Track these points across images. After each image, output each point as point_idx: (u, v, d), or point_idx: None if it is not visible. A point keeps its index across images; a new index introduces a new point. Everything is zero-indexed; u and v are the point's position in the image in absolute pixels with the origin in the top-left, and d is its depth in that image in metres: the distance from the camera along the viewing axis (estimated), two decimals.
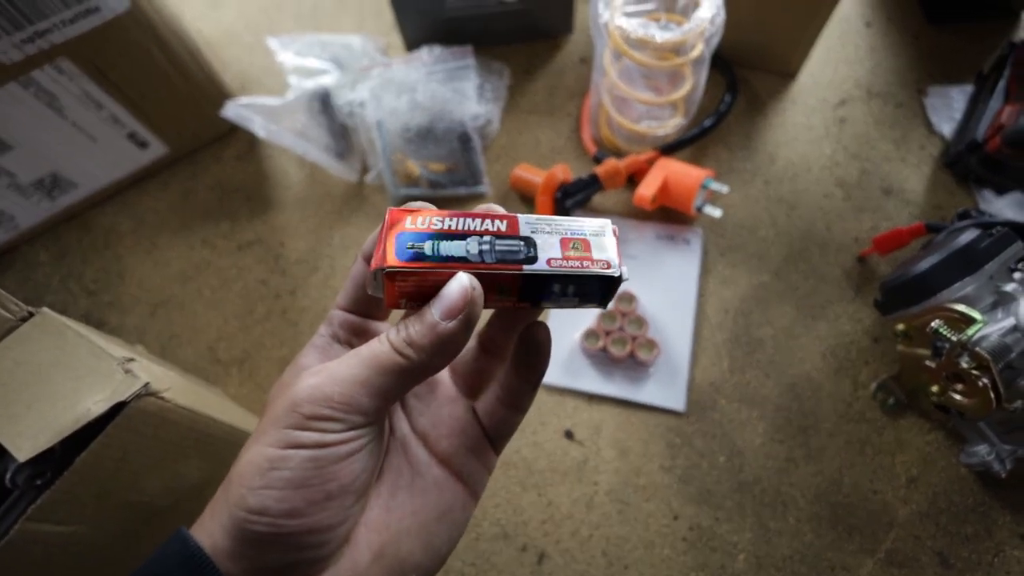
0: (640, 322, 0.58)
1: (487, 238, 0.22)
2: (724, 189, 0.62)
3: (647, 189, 0.61)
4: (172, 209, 0.70)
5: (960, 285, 0.46)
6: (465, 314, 0.21)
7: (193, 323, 0.64)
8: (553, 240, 0.23)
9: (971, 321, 0.43)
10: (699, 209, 0.62)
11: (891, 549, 0.50)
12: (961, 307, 0.44)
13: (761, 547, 0.51)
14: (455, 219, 0.22)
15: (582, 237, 0.23)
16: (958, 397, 0.45)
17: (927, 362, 0.48)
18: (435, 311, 0.21)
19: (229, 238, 0.68)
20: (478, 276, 0.22)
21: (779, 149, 0.68)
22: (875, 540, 0.50)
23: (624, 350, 0.57)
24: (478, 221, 0.23)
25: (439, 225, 0.22)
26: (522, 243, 0.22)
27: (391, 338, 0.22)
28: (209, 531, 0.21)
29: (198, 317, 0.64)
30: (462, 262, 0.22)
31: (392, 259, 0.21)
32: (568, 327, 0.59)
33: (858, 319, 0.59)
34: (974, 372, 0.43)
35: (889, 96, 0.70)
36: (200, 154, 0.72)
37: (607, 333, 0.58)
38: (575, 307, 0.24)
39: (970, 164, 0.61)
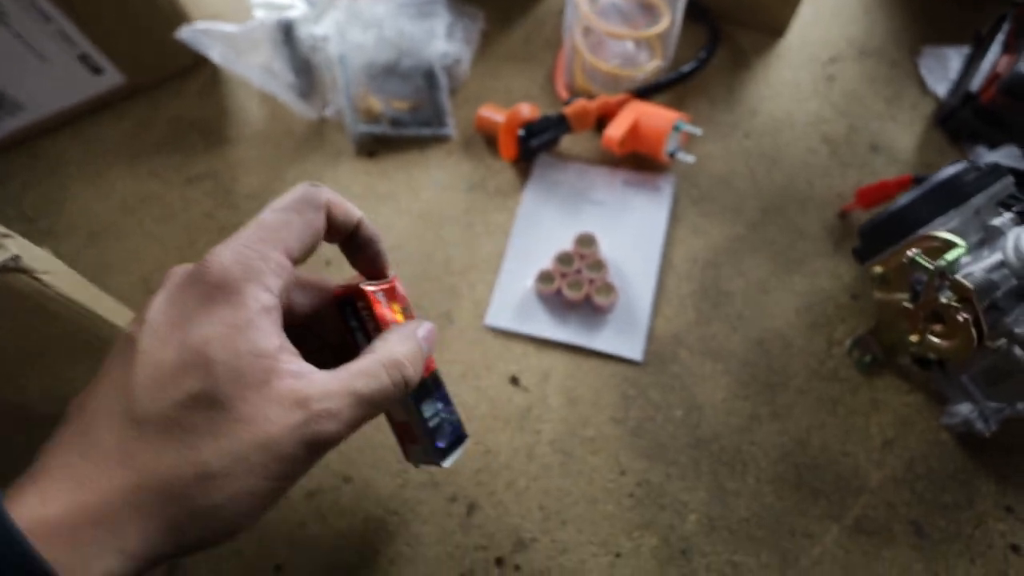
0: (599, 265, 0.54)
1: None
2: (698, 131, 0.58)
3: (615, 130, 0.57)
4: (125, 140, 0.67)
5: (943, 219, 0.42)
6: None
7: (130, 254, 0.60)
8: None
9: (952, 246, 0.39)
10: (671, 155, 0.58)
11: (860, 516, 0.45)
12: (941, 233, 0.39)
13: (715, 507, 0.46)
14: None
15: None
16: (937, 340, 0.40)
17: (905, 304, 0.43)
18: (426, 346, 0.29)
19: (180, 171, 0.64)
20: None
21: (762, 103, 0.64)
22: (843, 506, 0.45)
23: (579, 293, 0.52)
24: None
25: None
26: None
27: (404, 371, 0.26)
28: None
29: (136, 248, 0.60)
30: None
31: None
32: (521, 272, 0.55)
33: (837, 275, 0.55)
34: (955, 305, 0.38)
35: (883, 55, 0.66)
36: (161, 88, 0.69)
37: (563, 275, 0.54)
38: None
39: (963, 117, 0.57)
